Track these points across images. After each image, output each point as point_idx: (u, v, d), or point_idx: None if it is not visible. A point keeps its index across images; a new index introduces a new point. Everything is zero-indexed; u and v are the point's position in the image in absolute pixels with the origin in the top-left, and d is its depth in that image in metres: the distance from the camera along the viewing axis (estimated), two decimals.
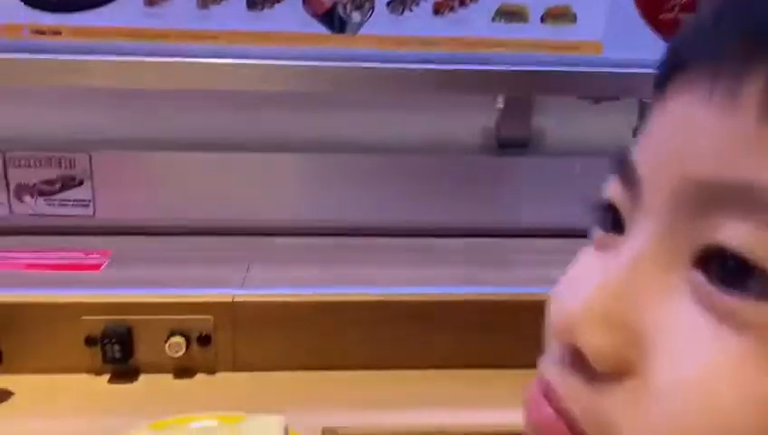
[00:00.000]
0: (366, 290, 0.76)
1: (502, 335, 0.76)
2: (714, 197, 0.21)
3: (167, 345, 0.72)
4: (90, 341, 0.72)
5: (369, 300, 0.75)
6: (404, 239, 0.92)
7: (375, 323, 0.75)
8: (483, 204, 0.94)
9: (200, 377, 0.74)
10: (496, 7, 0.80)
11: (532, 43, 0.81)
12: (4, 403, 0.68)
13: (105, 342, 0.71)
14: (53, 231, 0.92)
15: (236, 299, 0.73)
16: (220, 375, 0.74)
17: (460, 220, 0.94)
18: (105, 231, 0.92)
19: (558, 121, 0.96)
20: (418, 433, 0.66)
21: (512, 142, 0.95)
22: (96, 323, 0.72)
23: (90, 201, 0.91)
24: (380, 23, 0.80)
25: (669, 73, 0.24)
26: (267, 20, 0.79)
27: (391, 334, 0.75)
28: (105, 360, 0.72)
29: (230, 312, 0.73)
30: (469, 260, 0.87)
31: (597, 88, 0.86)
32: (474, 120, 0.95)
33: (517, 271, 0.84)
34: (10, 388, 0.70)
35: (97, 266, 0.82)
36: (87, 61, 0.78)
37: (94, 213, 0.92)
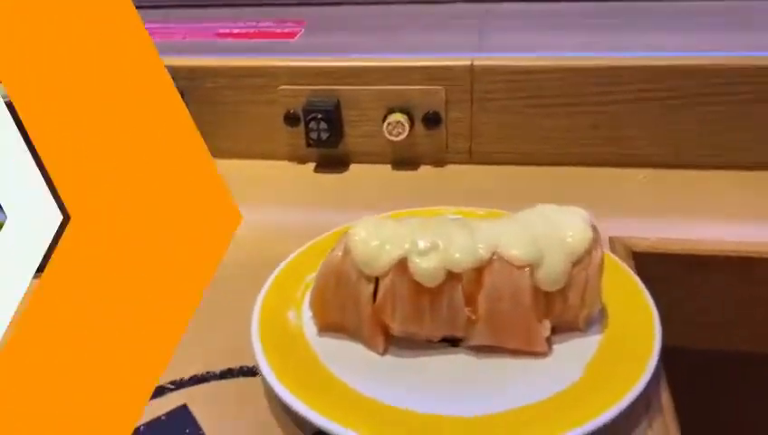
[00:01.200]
0: (648, 54, 0.53)
1: None
2: None
3: (385, 125, 0.55)
4: (290, 118, 0.56)
5: (657, 65, 0.52)
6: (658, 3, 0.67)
7: (663, 104, 0.52)
8: None
9: (425, 169, 0.57)
10: None
11: None
12: None
13: (309, 119, 0.55)
14: (238, 2, 0.76)
15: (477, 63, 0.54)
16: (452, 168, 0.57)
17: None
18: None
19: None
20: (718, 247, 0.46)
21: None
22: (297, 94, 0.56)
23: None
24: None
25: None
26: None
27: (683, 119, 0.53)
28: (309, 143, 0.56)
29: (467, 82, 0.54)
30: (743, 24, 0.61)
31: None
32: None
33: None
34: None
35: (292, 34, 0.65)
36: None
37: None
